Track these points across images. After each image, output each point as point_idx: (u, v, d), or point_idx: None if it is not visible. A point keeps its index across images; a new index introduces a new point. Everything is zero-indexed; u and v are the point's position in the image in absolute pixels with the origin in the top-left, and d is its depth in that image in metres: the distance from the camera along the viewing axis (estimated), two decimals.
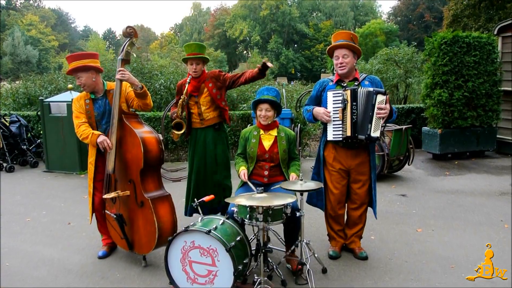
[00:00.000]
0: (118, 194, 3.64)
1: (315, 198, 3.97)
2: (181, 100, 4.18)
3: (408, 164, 7.31)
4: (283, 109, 3.81)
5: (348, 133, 3.52)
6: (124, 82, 3.72)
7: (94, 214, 3.98)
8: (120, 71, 3.60)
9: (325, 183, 3.84)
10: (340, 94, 3.54)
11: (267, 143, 3.75)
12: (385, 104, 3.46)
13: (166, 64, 15.09)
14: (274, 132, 3.78)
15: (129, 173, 3.67)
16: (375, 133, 3.48)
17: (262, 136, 3.77)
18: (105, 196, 3.64)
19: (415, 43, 16.32)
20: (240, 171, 3.72)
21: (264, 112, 3.69)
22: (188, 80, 4.22)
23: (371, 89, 3.46)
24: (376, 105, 3.43)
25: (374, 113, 3.44)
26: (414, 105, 10.20)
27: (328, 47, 3.73)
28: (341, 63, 3.60)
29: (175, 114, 4.23)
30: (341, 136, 3.57)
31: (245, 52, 64.34)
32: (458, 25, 15.84)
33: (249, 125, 7.69)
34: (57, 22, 64.15)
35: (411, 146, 7.15)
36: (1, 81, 18.18)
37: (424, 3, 48.32)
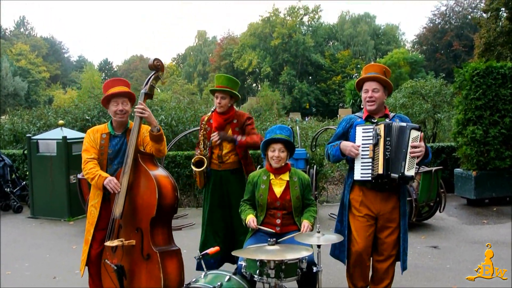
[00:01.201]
0: (123, 243, 3.55)
1: (337, 249, 3.89)
2: (201, 131, 4.31)
3: (440, 211, 7.22)
4: (297, 149, 3.83)
5: (380, 171, 3.49)
6: (143, 125, 3.75)
7: (87, 267, 3.85)
8: (141, 106, 3.63)
9: (349, 231, 3.78)
10: (371, 130, 3.56)
11: (278, 189, 3.74)
12: (419, 141, 3.48)
13: (167, 98, 15.35)
14: (285, 176, 3.77)
15: (138, 220, 3.62)
16: (410, 172, 3.46)
17: (272, 181, 3.77)
18: (107, 244, 3.54)
19: (443, 75, 16.42)
20: (248, 219, 3.68)
21: (277, 153, 3.69)
22: (211, 109, 4.35)
23: (404, 124, 3.51)
24: (410, 142, 3.45)
25: (408, 151, 3.45)
26: (445, 144, 10.18)
27: (358, 79, 3.81)
28: (370, 97, 3.65)
29: (199, 151, 4.33)
30: (370, 175, 3.55)
31: (254, 85, 65.44)
32: (491, 54, 15.97)
33: (258, 166, 7.69)
34: (49, 51, 66.05)
35: (442, 190, 7.09)
36: None
37: (453, 30, 49.08)
